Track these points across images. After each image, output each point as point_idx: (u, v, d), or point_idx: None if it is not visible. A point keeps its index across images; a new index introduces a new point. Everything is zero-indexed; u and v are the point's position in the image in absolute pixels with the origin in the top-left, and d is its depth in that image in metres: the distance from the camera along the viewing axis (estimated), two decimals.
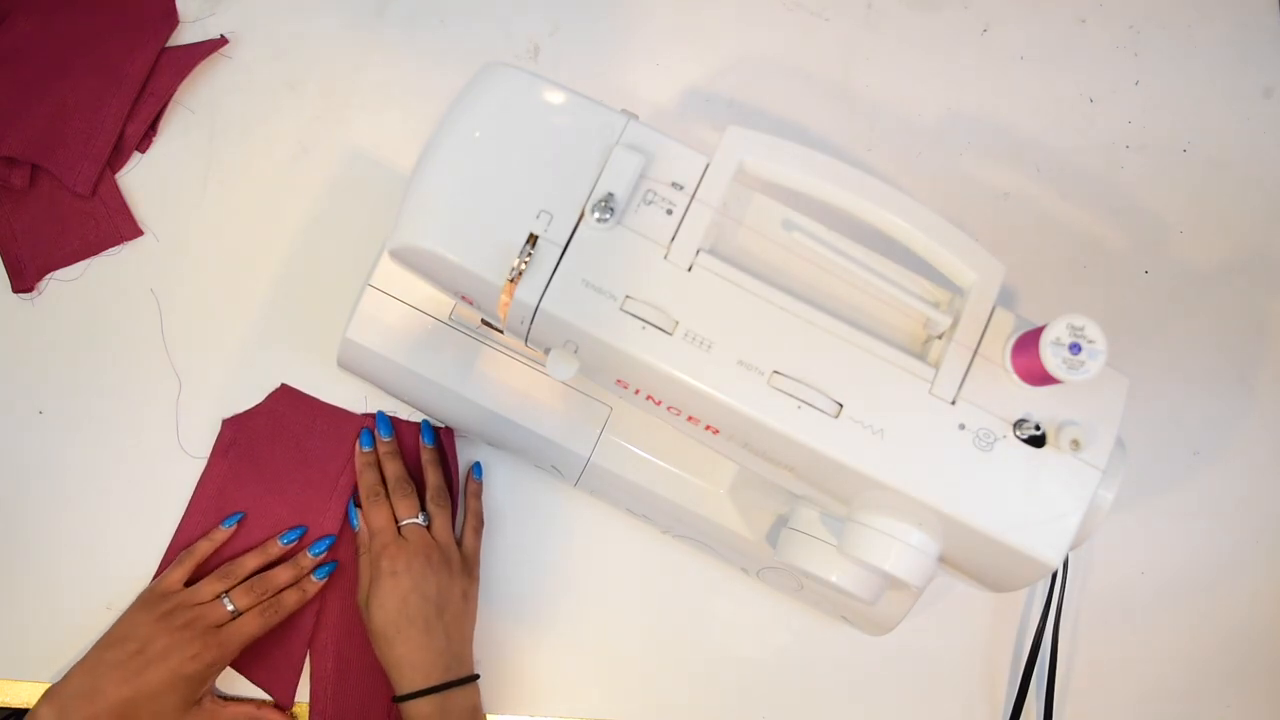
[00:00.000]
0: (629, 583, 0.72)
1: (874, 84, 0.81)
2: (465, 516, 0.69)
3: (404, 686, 0.60)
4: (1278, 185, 0.83)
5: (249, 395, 0.71)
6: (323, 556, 0.67)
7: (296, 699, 0.67)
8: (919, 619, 0.72)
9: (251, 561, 0.66)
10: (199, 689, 0.62)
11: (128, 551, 0.68)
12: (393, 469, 0.68)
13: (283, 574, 0.66)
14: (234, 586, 0.65)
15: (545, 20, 0.80)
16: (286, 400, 0.71)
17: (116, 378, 0.71)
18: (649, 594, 0.72)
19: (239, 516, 0.68)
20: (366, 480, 0.68)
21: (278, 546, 0.67)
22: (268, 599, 0.65)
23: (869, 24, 0.83)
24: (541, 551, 0.72)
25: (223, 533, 0.67)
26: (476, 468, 0.71)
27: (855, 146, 0.80)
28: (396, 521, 0.65)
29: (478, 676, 0.63)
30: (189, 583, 0.66)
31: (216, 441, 0.70)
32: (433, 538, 0.65)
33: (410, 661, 0.60)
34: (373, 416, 0.70)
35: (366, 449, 0.69)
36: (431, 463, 0.69)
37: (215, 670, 0.62)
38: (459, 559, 0.66)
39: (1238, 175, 0.82)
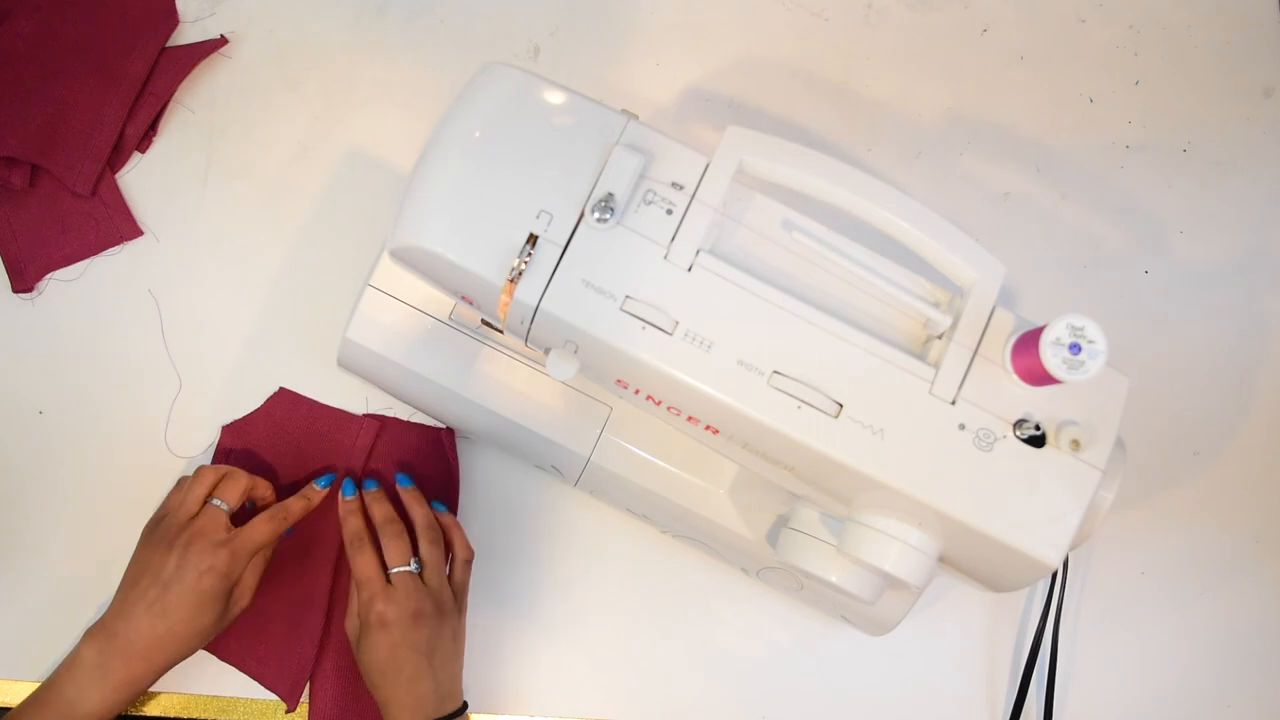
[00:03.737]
0: (629, 583, 0.72)
1: (874, 84, 0.81)
2: (453, 551, 0.67)
3: None
4: (1278, 185, 0.83)
5: (249, 395, 0.71)
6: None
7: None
8: (919, 619, 0.72)
9: (245, 483, 0.65)
10: (225, 601, 0.61)
11: (127, 551, 0.68)
12: (380, 512, 0.66)
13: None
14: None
15: (545, 20, 0.80)
16: (285, 404, 0.71)
17: (116, 378, 0.71)
18: (649, 594, 0.72)
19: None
20: (350, 528, 0.66)
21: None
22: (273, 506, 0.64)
23: (869, 24, 0.83)
24: (541, 552, 0.72)
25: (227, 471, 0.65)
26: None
27: (855, 146, 0.80)
28: (385, 568, 0.63)
29: (466, 705, 0.62)
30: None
31: (216, 449, 0.70)
32: (424, 584, 0.63)
33: (399, 703, 0.60)
34: (373, 416, 0.70)
35: (348, 497, 0.67)
36: (414, 502, 0.67)
37: (234, 578, 0.61)
38: (450, 600, 0.64)
39: (1238, 175, 0.82)
